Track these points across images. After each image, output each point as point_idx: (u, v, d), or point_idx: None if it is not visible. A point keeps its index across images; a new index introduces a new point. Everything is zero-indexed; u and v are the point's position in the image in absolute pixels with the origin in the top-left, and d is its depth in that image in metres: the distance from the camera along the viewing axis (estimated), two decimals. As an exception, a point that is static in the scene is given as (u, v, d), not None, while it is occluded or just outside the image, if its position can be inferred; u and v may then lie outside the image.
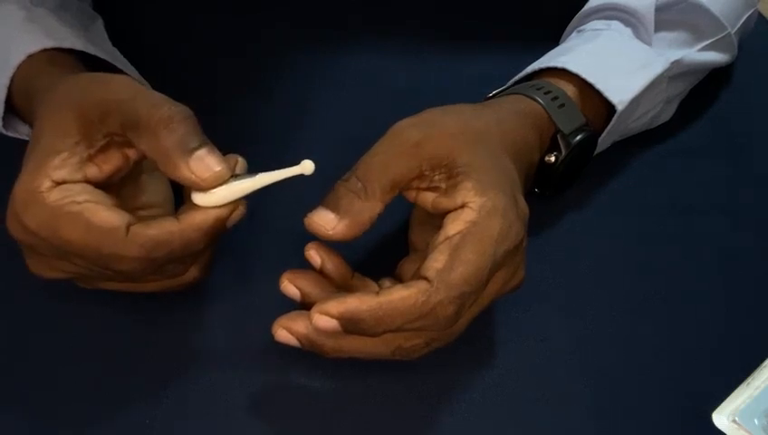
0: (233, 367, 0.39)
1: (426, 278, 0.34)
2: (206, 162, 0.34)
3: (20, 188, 0.34)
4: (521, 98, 0.43)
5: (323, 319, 0.33)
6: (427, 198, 0.37)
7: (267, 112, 0.51)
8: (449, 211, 0.36)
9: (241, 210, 0.36)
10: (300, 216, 0.43)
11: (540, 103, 0.42)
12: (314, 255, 0.37)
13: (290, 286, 0.36)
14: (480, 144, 0.37)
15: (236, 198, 0.35)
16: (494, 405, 0.39)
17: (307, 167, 0.35)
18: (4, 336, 0.41)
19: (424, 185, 0.37)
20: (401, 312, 0.33)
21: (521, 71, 0.47)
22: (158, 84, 0.43)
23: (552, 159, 0.43)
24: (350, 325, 0.33)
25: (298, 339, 0.36)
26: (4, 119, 0.43)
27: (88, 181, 0.35)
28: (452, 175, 0.36)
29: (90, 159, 0.35)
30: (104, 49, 0.46)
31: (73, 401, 0.39)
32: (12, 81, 0.42)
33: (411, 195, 0.38)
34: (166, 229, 0.34)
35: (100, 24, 0.49)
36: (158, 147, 0.34)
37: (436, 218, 0.36)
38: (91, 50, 0.44)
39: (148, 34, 0.54)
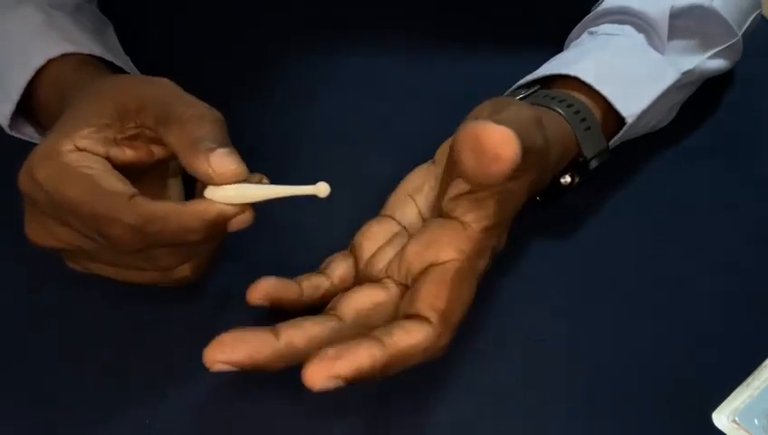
0: (231, 378, 0.39)
1: (427, 320, 0.34)
2: (225, 159, 0.34)
3: (42, 145, 0.35)
4: (549, 113, 0.42)
5: (331, 381, 0.31)
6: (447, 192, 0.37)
7: (267, 112, 0.51)
8: (454, 213, 0.36)
9: (247, 216, 0.35)
10: (300, 216, 0.43)
11: (568, 123, 0.42)
12: (259, 300, 0.37)
13: (255, 296, 0.37)
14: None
15: (246, 201, 0.35)
16: (493, 405, 0.39)
17: (322, 189, 0.35)
18: (5, 336, 0.41)
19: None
20: (409, 358, 0.33)
21: (522, 70, 0.46)
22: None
23: (568, 179, 0.43)
24: (358, 381, 0.32)
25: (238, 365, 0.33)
26: (11, 119, 0.44)
27: (108, 159, 0.36)
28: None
29: (115, 141, 0.36)
30: (119, 56, 0.46)
31: (73, 402, 0.39)
32: (32, 83, 0.42)
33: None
34: (167, 207, 0.34)
35: (111, 30, 0.50)
36: (183, 138, 0.34)
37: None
38: (108, 56, 0.44)
39: (147, 35, 0.54)
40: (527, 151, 0.33)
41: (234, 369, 0.33)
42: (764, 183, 0.49)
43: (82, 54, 0.43)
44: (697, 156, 0.50)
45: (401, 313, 0.35)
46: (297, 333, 0.34)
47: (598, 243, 0.45)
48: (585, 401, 0.39)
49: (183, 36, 0.54)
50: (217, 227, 0.35)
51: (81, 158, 0.34)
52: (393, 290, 0.37)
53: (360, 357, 0.32)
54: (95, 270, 0.38)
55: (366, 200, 0.42)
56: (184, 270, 0.37)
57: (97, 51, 0.44)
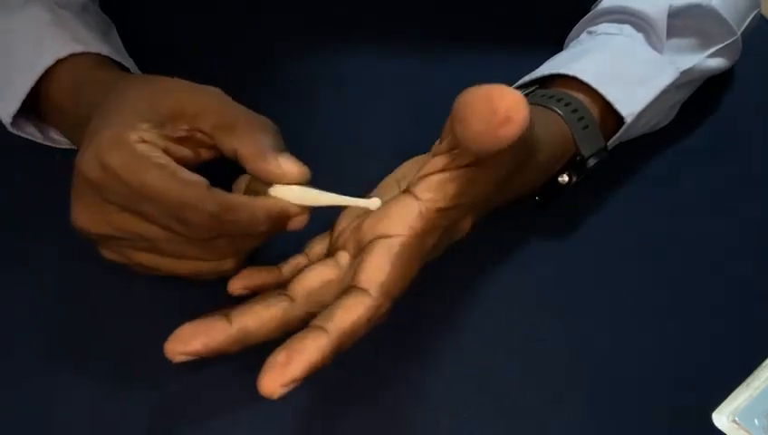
0: (234, 367, 0.39)
1: (367, 292, 0.34)
2: (292, 161, 0.37)
3: (108, 133, 0.35)
4: (546, 112, 0.42)
5: (287, 387, 0.32)
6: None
7: (266, 112, 0.50)
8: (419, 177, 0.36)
9: (305, 217, 0.37)
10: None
11: (566, 122, 0.42)
12: (240, 290, 0.38)
13: (236, 286, 0.38)
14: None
15: (307, 203, 0.37)
16: (493, 405, 0.39)
17: (374, 204, 0.37)
18: (4, 336, 0.41)
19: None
20: (354, 334, 0.34)
21: (521, 70, 0.46)
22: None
23: (566, 178, 0.43)
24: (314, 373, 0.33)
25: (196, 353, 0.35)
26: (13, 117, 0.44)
27: (166, 153, 0.36)
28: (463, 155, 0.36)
29: (170, 138, 0.37)
30: (124, 57, 0.47)
31: (74, 402, 0.39)
32: (39, 82, 0.42)
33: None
34: (240, 199, 0.35)
35: (115, 31, 0.50)
36: (251, 143, 0.36)
37: None
38: (116, 56, 0.45)
39: (146, 35, 0.54)
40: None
41: (194, 358, 0.34)
42: (764, 183, 0.49)
43: (90, 54, 0.43)
44: (697, 156, 0.50)
45: (345, 284, 0.36)
46: (249, 318, 0.35)
47: (598, 243, 0.45)
48: (585, 401, 0.39)
49: (183, 36, 0.54)
50: (280, 221, 0.36)
51: (150, 149, 0.35)
52: (345, 263, 0.38)
53: (308, 354, 0.32)
54: (136, 258, 0.38)
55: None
56: (229, 263, 0.38)
57: (105, 51, 0.44)
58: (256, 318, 0.36)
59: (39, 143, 0.46)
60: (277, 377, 0.31)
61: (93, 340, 0.41)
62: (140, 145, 0.35)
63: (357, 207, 0.38)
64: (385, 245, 0.35)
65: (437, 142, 0.41)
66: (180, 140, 0.37)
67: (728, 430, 0.37)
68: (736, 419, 0.37)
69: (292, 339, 0.33)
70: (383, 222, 0.36)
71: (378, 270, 0.35)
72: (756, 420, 0.37)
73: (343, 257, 0.38)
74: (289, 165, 0.36)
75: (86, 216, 0.36)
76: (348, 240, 0.38)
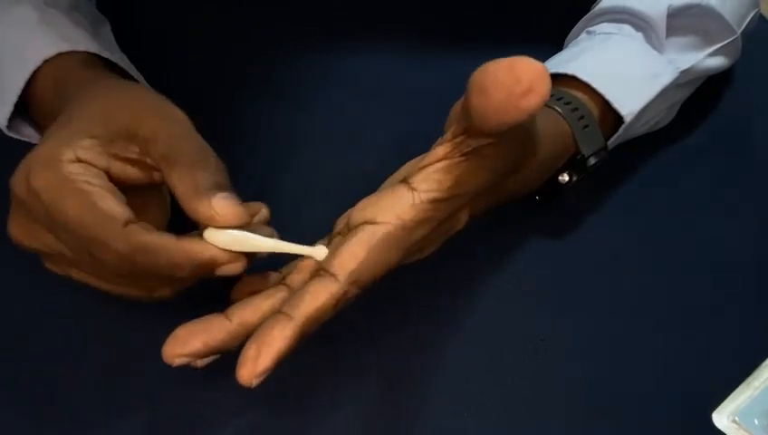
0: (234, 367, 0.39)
1: (336, 277, 0.34)
2: (227, 202, 0.34)
3: (41, 150, 0.35)
4: (547, 111, 0.42)
5: (262, 376, 0.32)
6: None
7: (266, 112, 0.51)
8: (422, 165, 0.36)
9: (238, 265, 0.35)
10: (298, 216, 0.43)
11: (566, 121, 0.42)
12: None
13: (239, 296, 0.37)
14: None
15: (243, 249, 0.35)
16: (493, 405, 0.39)
17: (320, 253, 0.36)
18: (5, 336, 0.41)
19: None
20: (320, 318, 0.34)
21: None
22: (156, 85, 0.44)
23: (566, 178, 0.43)
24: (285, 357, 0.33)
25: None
26: (9, 120, 0.44)
27: (107, 173, 0.35)
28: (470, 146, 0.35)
29: (117, 157, 0.36)
30: (114, 53, 0.46)
31: (73, 402, 0.39)
32: (29, 83, 0.42)
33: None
34: (159, 241, 0.34)
35: (108, 28, 0.50)
36: (190, 181, 0.34)
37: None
38: (106, 54, 0.44)
39: (146, 34, 0.54)
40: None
41: (193, 360, 0.34)
42: (764, 183, 0.49)
43: (79, 52, 0.43)
44: (697, 156, 0.50)
45: (320, 263, 0.36)
46: (248, 311, 0.35)
47: (598, 243, 0.45)
48: (585, 401, 0.39)
49: (182, 36, 0.54)
50: (205, 269, 0.35)
51: (82, 170, 0.34)
52: None
53: (275, 344, 0.33)
54: (76, 276, 0.37)
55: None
56: (164, 291, 0.37)
57: (93, 48, 0.43)
58: (256, 310, 0.36)
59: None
60: (251, 371, 0.32)
61: (93, 341, 0.41)
62: (72, 166, 0.34)
63: (358, 208, 0.38)
64: (368, 231, 0.35)
65: (440, 139, 0.41)
66: (131, 161, 0.36)
67: (728, 430, 0.37)
68: (736, 419, 0.37)
69: (261, 330, 0.33)
70: (373, 208, 0.36)
71: (351, 257, 0.34)
72: (756, 420, 0.37)
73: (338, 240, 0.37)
74: (223, 206, 0.34)
75: (19, 231, 0.36)
76: (342, 228, 0.38)
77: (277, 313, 0.34)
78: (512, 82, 0.31)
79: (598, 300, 0.43)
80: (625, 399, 0.39)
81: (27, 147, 0.45)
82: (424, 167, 0.36)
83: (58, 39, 0.43)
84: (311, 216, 0.43)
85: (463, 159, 0.35)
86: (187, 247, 0.34)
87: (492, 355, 0.41)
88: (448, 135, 0.36)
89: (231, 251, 0.34)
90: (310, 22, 0.56)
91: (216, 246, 0.34)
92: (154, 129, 0.35)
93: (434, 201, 0.36)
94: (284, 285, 0.37)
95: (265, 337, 0.33)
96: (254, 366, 0.32)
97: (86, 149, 0.35)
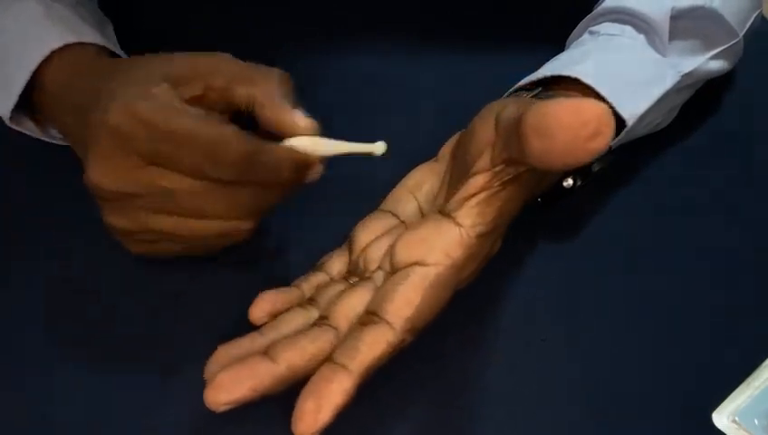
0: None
1: (392, 326, 0.34)
2: (304, 114, 0.37)
3: (133, 87, 0.36)
4: None
5: (321, 428, 0.32)
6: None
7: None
8: (453, 207, 0.36)
9: (319, 169, 0.37)
10: (299, 216, 0.43)
11: None
12: (262, 319, 0.37)
13: (258, 314, 0.37)
14: None
15: (319, 152, 0.37)
16: (493, 405, 0.39)
17: (379, 148, 0.38)
18: (4, 333, 0.41)
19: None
20: (374, 368, 0.34)
21: (522, 71, 0.46)
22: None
23: (570, 182, 0.43)
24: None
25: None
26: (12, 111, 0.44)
27: None
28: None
29: (182, 99, 0.37)
30: (119, 51, 0.47)
31: (73, 402, 0.39)
32: (35, 75, 0.42)
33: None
34: (268, 143, 0.35)
35: (111, 29, 0.50)
36: (270, 92, 0.37)
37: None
38: (111, 47, 0.44)
39: (146, 34, 0.54)
40: None
41: (237, 405, 0.33)
42: (764, 183, 0.49)
43: (86, 45, 0.43)
44: (697, 156, 0.50)
45: (370, 307, 0.35)
46: (295, 354, 0.34)
47: (598, 243, 0.45)
48: (585, 401, 0.39)
49: (182, 36, 0.54)
50: (301, 169, 0.36)
51: (175, 100, 0.36)
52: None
53: (334, 398, 0.32)
54: (151, 223, 0.37)
55: (365, 200, 0.42)
56: (248, 223, 0.37)
57: (100, 41, 0.44)
58: (303, 354, 0.34)
59: (39, 141, 0.46)
60: (311, 424, 0.32)
61: (93, 339, 0.41)
62: (168, 93, 0.36)
63: (374, 221, 0.38)
64: (419, 274, 0.35)
65: (446, 146, 0.41)
66: (193, 101, 0.37)
67: (728, 430, 0.37)
68: (736, 419, 0.37)
69: (319, 382, 0.33)
70: (421, 247, 0.35)
71: (406, 303, 0.34)
72: (756, 420, 0.37)
73: (379, 276, 0.37)
74: (302, 116, 0.37)
75: (106, 172, 0.36)
76: (382, 261, 0.37)
77: (331, 362, 0.33)
78: (578, 125, 0.30)
79: (598, 300, 0.43)
80: (625, 399, 0.39)
81: (26, 141, 0.45)
82: (466, 198, 0.36)
83: (65, 31, 0.43)
84: (310, 216, 0.43)
85: (501, 187, 0.35)
86: (286, 149, 0.36)
87: (492, 355, 0.41)
88: (486, 161, 0.36)
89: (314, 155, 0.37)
90: (310, 22, 0.56)
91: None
92: (213, 61, 0.38)
93: (480, 235, 0.35)
94: (328, 325, 0.36)
95: (324, 390, 0.32)
96: (314, 420, 0.32)
97: (165, 90, 0.36)
